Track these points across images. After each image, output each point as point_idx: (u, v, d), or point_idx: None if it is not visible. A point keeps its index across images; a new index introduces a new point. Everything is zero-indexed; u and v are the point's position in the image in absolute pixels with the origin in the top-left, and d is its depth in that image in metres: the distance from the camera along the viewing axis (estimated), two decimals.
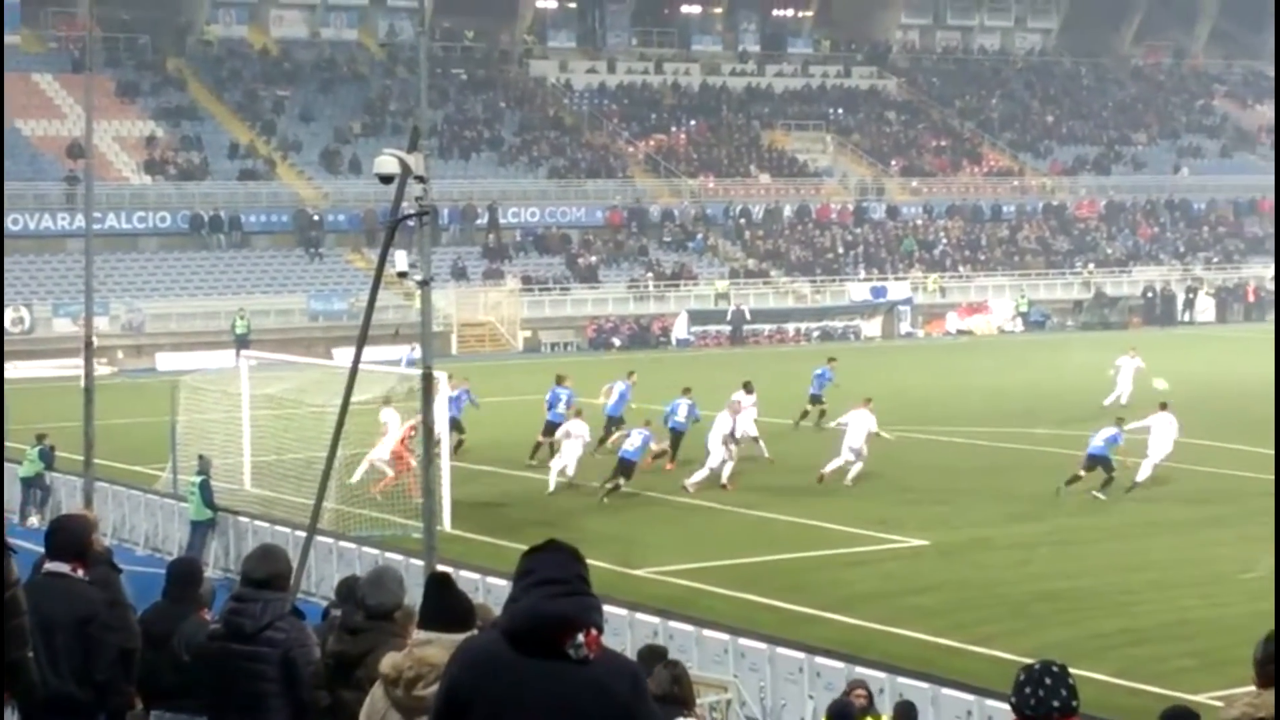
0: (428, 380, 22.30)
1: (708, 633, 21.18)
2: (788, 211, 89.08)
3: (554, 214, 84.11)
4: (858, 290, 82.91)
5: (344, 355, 44.90)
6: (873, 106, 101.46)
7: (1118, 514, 32.80)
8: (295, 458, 33.74)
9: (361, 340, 23.11)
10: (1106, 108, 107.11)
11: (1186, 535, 30.72)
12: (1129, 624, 24.10)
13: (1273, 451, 35.83)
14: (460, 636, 7.40)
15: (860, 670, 18.94)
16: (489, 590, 21.88)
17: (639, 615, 21.78)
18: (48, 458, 34.40)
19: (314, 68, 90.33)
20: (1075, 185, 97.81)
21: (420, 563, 21.91)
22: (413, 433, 34.05)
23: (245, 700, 9.73)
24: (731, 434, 36.24)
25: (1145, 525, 31.65)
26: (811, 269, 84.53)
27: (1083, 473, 34.47)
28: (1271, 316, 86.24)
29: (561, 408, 39.17)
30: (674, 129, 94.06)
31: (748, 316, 77.89)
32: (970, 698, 18.21)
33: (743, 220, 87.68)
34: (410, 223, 21.77)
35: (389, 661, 8.16)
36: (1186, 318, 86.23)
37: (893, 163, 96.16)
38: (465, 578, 22.56)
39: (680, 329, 76.85)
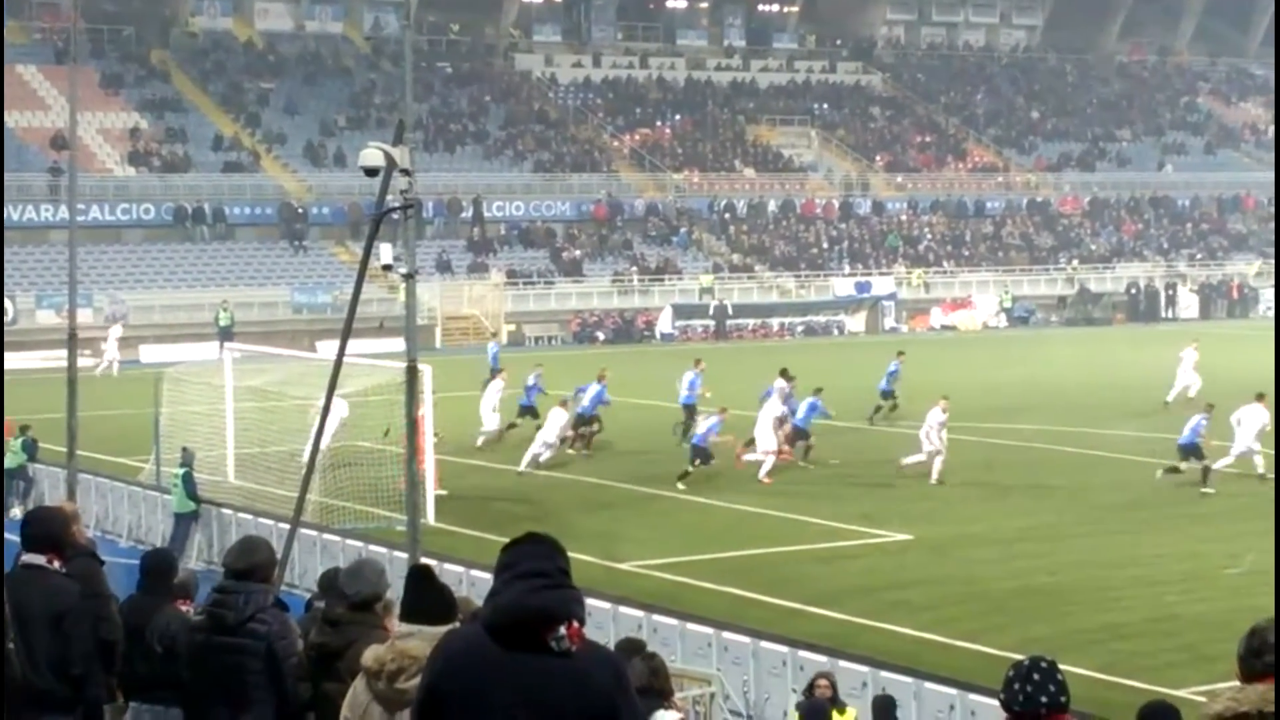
0: (412, 373, 22.28)
1: (691, 626, 21.19)
2: (772, 206, 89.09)
3: (539, 208, 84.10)
4: (842, 285, 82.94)
5: (328, 348, 44.79)
6: (858, 102, 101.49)
7: (1102, 509, 32.83)
8: (279, 450, 33.72)
9: (346, 333, 23.11)
10: (1091, 104, 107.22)
11: (1170, 531, 30.75)
12: (1113, 619, 24.12)
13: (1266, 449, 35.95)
14: (442, 629, 7.39)
15: (843, 664, 18.96)
16: (473, 583, 21.85)
17: (623, 609, 21.79)
18: (31, 449, 34.32)
19: (299, 60, 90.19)
20: (1060, 181, 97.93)
21: (404, 555, 21.89)
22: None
23: (228, 692, 9.69)
24: (781, 419, 37.27)
25: (1129, 520, 31.68)
26: (796, 264, 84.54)
27: (1181, 466, 35.04)
28: (1254, 313, 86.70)
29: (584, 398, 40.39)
30: (659, 123, 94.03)
31: (729, 311, 77.90)
32: (953, 692, 18.23)
33: (727, 215, 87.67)
34: (395, 216, 21.77)
35: (371, 654, 8.14)
36: (1170, 314, 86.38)
37: (877, 158, 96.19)
38: (449, 571, 22.56)
39: (664, 323, 76.86)
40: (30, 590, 10.33)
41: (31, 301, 68.02)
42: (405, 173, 21.05)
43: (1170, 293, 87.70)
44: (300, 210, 78.06)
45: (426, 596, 8.04)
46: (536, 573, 6.27)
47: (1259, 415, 35.63)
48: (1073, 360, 62.58)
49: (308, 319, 70.65)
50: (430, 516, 30.13)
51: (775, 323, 79.51)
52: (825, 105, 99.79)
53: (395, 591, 8.98)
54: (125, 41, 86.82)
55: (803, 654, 19.81)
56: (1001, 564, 28.05)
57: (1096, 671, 20.48)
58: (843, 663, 19.08)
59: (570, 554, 6.45)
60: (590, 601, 20.38)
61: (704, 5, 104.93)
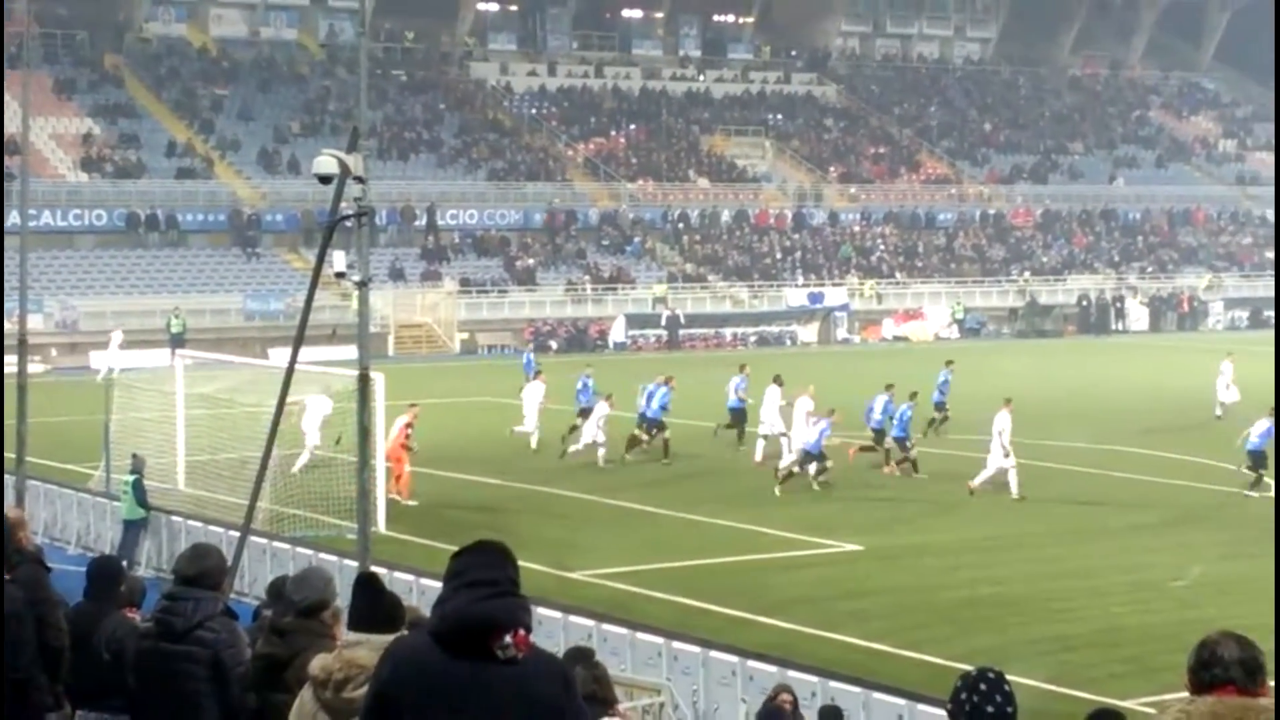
0: (364, 381, 22.25)
1: (641, 636, 21.17)
2: (726, 216, 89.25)
3: (492, 216, 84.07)
4: (795, 295, 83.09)
5: (280, 355, 44.70)
6: (812, 113, 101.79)
7: (1052, 520, 32.99)
8: (229, 457, 33.58)
9: (298, 340, 23.06)
10: (1044, 117, 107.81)
11: (1118, 541, 30.92)
12: (1061, 630, 24.23)
13: (1207, 460, 36.19)
14: (389, 637, 7.38)
15: (792, 674, 18.97)
16: (423, 592, 21.79)
17: (573, 618, 21.75)
18: None
19: (253, 67, 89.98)
20: (1012, 194, 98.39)
21: (354, 564, 21.83)
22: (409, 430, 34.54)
23: (174, 700, 9.63)
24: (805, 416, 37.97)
25: (1078, 532, 31.84)
26: (749, 274, 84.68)
27: (1248, 470, 35.57)
28: (1204, 326, 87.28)
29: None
30: (613, 132, 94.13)
31: (682, 320, 77.95)
32: (901, 702, 18.27)
33: (681, 225, 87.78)
34: (348, 223, 21.75)
35: (318, 663, 8.13)
36: (1120, 326, 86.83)
37: (831, 169, 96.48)
38: (399, 579, 22.51)
39: (618, 332, 76.85)
40: None
41: None
42: (359, 180, 21.03)
43: (1120, 305, 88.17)
44: (253, 217, 77.84)
45: (373, 604, 8.04)
46: (484, 581, 6.29)
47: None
48: (1023, 372, 62.79)
49: (260, 326, 70.43)
50: (381, 524, 30.09)
51: (728, 333, 79.57)
52: (779, 116, 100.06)
53: (345, 600, 8.96)
54: (79, 47, 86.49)
55: (752, 664, 19.82)
56: (951, 574, 28.14)
57: (1044, 682, 20.56)
58: (792, 672, 19.10)
59: (521, 563, 6.47)
60: (540, 610, 20.45)
61: (659, 15, 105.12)
